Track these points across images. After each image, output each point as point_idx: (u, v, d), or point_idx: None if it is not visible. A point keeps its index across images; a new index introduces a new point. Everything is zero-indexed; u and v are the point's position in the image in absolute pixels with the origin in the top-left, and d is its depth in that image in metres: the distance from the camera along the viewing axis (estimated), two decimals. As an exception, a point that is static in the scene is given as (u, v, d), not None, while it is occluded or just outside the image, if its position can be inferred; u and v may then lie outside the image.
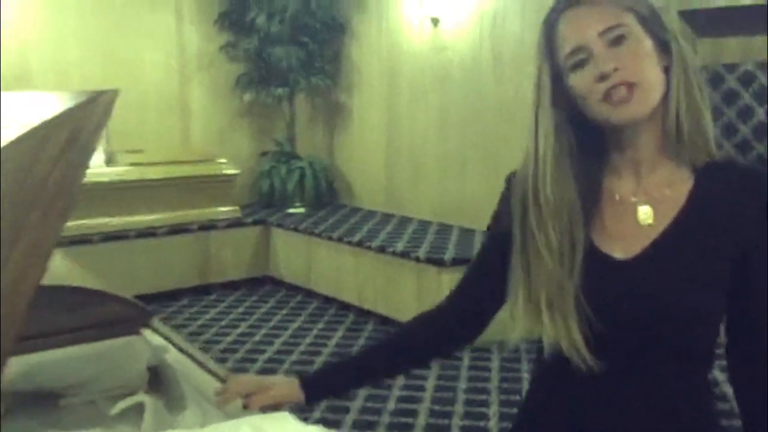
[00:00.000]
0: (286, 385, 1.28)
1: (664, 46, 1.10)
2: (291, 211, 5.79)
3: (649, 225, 1.11)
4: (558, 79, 1.12)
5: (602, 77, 1.05)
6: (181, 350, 1.59)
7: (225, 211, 5.54)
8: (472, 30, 4.94)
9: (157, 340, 1.64)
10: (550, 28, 1.13)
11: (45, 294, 1.56)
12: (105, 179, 5.09)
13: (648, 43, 1.08)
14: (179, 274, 5.29)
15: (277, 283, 5.55)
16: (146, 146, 5.56)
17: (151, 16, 5.65)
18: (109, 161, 5.28)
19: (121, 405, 1.53)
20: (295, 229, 5.32)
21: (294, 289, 5.39)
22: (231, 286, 5.46)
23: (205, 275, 5.38)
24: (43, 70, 5.30)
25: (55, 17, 5.32)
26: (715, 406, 1.18)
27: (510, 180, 1.20)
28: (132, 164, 5.26)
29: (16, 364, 1.53)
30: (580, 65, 1.08)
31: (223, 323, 4.76)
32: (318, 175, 5.87)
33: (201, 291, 5.35)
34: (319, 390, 1.29)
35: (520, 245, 1.14)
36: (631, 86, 1.05)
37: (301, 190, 5.84)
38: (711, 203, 1.11)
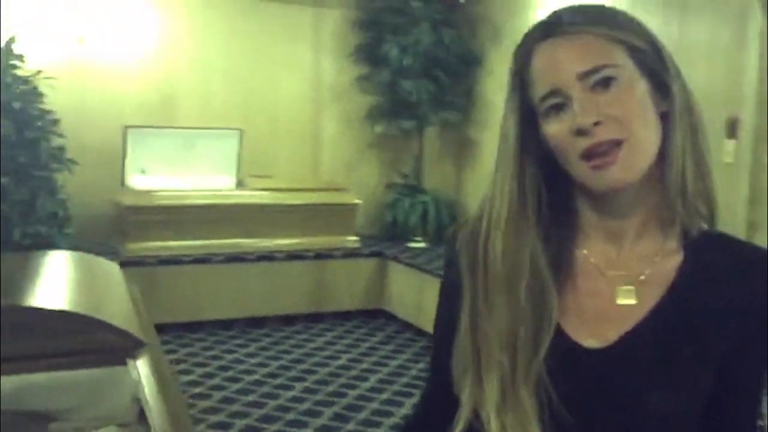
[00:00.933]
0: None
1: (662, 88, 0.88)
2: (411, 245, 5.74)
3: (631, 305, 0.90)
4: (531, 121, 0.90)
5: (580, 132, 0.84)
6: (159, 387, 1.56)
7: (345, 240, 5.58)
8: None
9: (144, 372, 1.62)
10: (523, 59, 0.91)
11: (39, 317, 1.60)
12: (232, 201, 5.32)
13: (642, 86, 0.86)
14: (294, 299, 5.38)
15: (390, 318, 5.48)
16: (276, 173, 5.74)
17: (290, 48, 5.86)
18: (239, 185, 5.51)
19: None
20: (410, 264, 5.24)
21: (405, 325, 5.30)
22: (344, 316, 5.47)
23: (319, 303, 5.43)
24: (187, 101, 5.64)
25: (201, 48, 5.65)
26: None
27: (453, 239, 0.98)
28: (259, 189, 5.45)
29: (5, 383, 1.57)
30: (555, 111, 0.87)
31: (327, 353, 4.76)
32: (441, 210, 5.78)
33: (314, 318, 5.40)
34: None
35: (468, 323, 0.92)
36: (617, 144, 0.84)
37: (423, 224, 5.78)
38: (702, 281, 0.90)
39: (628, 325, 0.89)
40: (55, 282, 1.96)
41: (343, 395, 4.05)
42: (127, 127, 5.11)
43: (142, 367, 1.54)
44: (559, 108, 0.87)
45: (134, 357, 1.61)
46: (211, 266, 5.11)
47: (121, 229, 5.05)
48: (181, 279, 5.01)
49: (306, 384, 4.17)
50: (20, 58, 3.44)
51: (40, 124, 3.39)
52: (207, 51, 5.66)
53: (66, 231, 3.49)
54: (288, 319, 5.32)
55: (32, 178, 3.33)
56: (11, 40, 3.42)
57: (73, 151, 5.01)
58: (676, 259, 0.91)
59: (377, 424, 3.69)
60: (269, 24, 5.78)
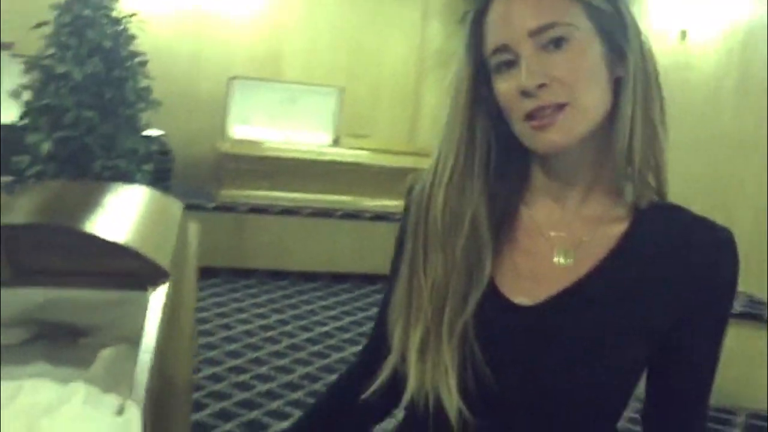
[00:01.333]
0: None
1: (619, 52, 0.85)
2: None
3: (565, 267, 0.88)
4: (483, 76, 0.88)
5: (525, 93, 0.82)
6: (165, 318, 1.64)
7: (434, 206, 5.57)
8: (720, 47, 4.37)
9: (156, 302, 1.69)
10: (479, 14, 0.88)
11: (76, 237, 1.72)
12: (326, 158, 5.43)
13: (596, 50, 0.83)
14: (378, 259, 5.43)
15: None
16: (373, 133, 5.80)
17: (399, 11, 5.86)
18: (335, 142, 5.61)
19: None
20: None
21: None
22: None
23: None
24: (293, 56, 5.77)
25: (310, 5, 5.75)
26: None
27: (409, 191, 0.98)
28: (355, 148, 5.53)
29: (36, 295, 1.71)
30: (506, 67, 0.84)
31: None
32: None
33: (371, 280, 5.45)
34: None
35: (406, 273, 0.91)
36: (560, 107, 0.82)
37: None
38: (647, 252, 0.87)
39: (561, 285, 0.87)
40: (107, 211, 2.09)
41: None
42: (232, 78, 5.30)
43: (156, 297, 1.62)
44: (510, 65, 0.84)
45: (154, 286, 1.69)
46: (298, 219, 5.25)
47: (217, 176, 5.27)
48: (268, 228, 5.18)
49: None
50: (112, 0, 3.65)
51: (128, 64, 3.59)
52: (316, 8, 5.75)
53: (144, 167, 3.69)
54: (370, 278, 5.39)
55: (116, 115, 3.53)
56: None
57: (183, 98, 5.31)
58: (621, 227, 0.88)
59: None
60: (379, -16, 5.81)
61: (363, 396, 0.94)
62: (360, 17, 5.82)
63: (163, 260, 1.80)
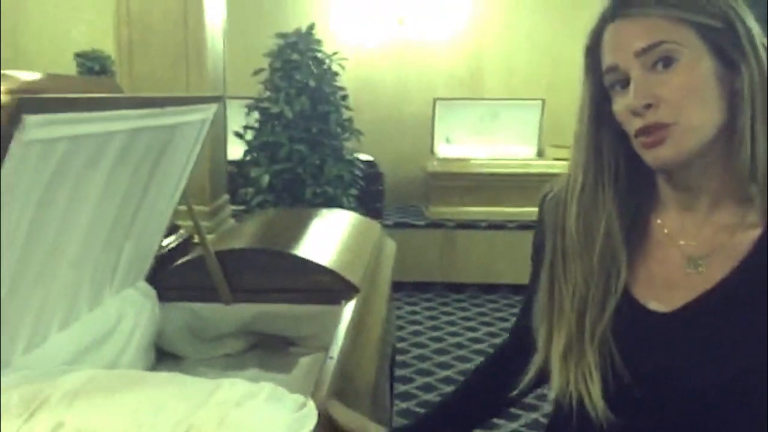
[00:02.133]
0: None
1: (734, 66, 0.86)
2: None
3: (700, 274, 0.91)
4: (604, 95, 0.95)
5: (634, 113, 0.87)
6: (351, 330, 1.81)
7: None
8: None
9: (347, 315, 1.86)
10: (595, 37, 0.95)
11: (282, 258, 1.96)
12: (531, 170, 5.44)
13: (707, 65, 0.86)
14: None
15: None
16: (579, 143, 5.71)
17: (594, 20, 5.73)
18: (539, 154, 5.61)
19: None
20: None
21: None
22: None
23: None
24: (493, 73, 5.87)
25: (508, 21, 5.82)
26: None
27: (543, 202, 1.05)
28: (559, 159, 5.48)
29: (248, 310, 1.97)
30: (618, 87, 0.90)
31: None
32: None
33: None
34: None
35: (546, 280, 0.99)
36: (665, 126, 0.86)
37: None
38: None
39: (695, 293, 0.89)
40: (311, 234, 2.33)
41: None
42: (436, 99, 5.52)
43: (347, 310, 1.80)
44: (622, 84, 0.90)
45: (346, 300, 1.88)
46: (506, 232, 5.31)
47: (426, 194, 5.50)
48: (477, 243, 5.30)
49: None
50: (318, 42, 3.99)
51: (332, 99, 3.91)
52: (513, 24, 5.81)
53: (350, 192, 3.97)
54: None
55: (323, 146, 3.86)
56: (311, 27, 4.00)
57: (390, 123, 5.63)
58: (753, 234, 0.89)
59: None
60: (577, -7, 5.73)
61: (511, 394, 1.03)
62: (557, 29, 5.78)
63: (355, 277, 1.98)
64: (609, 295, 0.92)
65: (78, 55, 5.80)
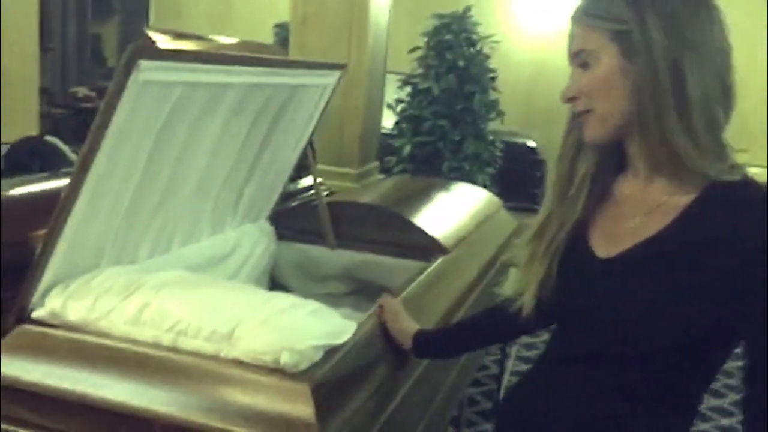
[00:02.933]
0: (405, 332, 1.50)
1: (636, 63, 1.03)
2: None
3: (638, 229, 1.06)
4: None
5: (566, 99, 1.10)
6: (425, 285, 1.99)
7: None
8: None
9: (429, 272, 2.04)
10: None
11: (382, 214, 2.19)
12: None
13: (615, 64, 1.03)
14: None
15: None
16: (752, 146, 5.38)
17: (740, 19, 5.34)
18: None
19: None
20: None
21: None
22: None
23: None
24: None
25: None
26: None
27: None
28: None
29: (350, 257, 2.22)
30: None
31: None
32: None
33: None
34: (427, 351, 1.52)
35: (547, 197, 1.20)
36: (587, 112, 1.07)
37: None
38: (707, 221, 0.99)
39: (632, 243, 1.05)
40: (424, 200, 2.53)
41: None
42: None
43: (431, 268, 1.99)
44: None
45: (434, 259, 2.06)
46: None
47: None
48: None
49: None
50: (474, 24, 4.12)
51: (479, 80, 4.03)
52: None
53: (487, 170, 4.09)
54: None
55: (465, 124, 4.00)
56: (467, 9, 4.14)
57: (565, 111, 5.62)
58: (686, 199, 1.02)
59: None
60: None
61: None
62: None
63: (447, 240, 2.16)
64: (566, 220, 1.13)
65: (276, 25, 6.40)
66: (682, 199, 1.03)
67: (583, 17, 1.06)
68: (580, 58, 1.07)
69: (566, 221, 1.13)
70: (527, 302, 1.16)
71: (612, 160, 1.12)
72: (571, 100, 1.08)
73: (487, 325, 1.43)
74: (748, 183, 1.00)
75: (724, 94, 1.01)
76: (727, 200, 0.99)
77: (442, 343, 1.50)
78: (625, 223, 1.08)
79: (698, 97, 0.98)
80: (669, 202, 1.04)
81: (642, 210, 1.07)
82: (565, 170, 1.14)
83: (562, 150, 1.15)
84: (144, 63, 1.29)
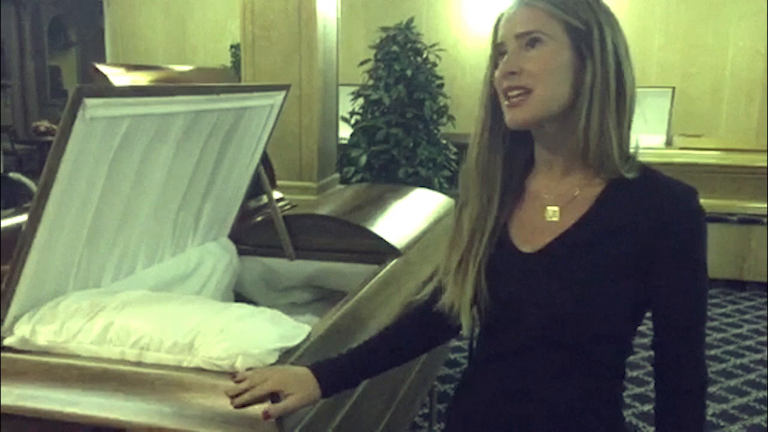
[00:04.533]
0: (303, 385, 1.25)
1: (585, 62, 1.09)
2: None
3: (555, 223, 1.14)
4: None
5: (504, 75, 1.10)
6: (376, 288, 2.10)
7: (776, 206, 5.13)
8: None
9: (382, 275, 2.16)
10: (497, 20, 1.17)
11: (335, 223, 2.30)
12: (659, 160, 5.38)
13: (565, 56, 1.08)
14: (714, 263, 5.21)
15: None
16: (712, 132, 5.57)
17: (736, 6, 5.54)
18: (668, 143, 5.53)
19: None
20: None
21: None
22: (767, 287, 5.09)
23: (741, 270, 5.16)
24: (626, 56, 5.83)
25: (640, 8, 5.75)
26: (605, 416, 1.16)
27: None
28: (687, 147, 5.39)
29: (310, 266, 2.32)
30: (500, 58, 1.13)
31: (734, 320, 4.59)
32: None
33: (735, 286, 5.17)
34: (335, 385, 1.29)
35: (457, 210, 1.23)
36: (527, 92, 1.08)
37: None
38: (620, 206, 1.10)
39: (552, 236, 1.13)
40: (378, 205, 2.64)
41: (723, 360, 3.96)
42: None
43: (383, 272, 2.09)
44: (501, 58, 1.13)
45: (386, 262, 2.17)
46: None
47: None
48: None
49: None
50: (417, 35, 4.27)
51: (428, 87, 4.18)
52: (646, 11, 5.74)
53: (443, 173, 4.23)
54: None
55: (417, 130, 4.15)
56: (410, 21, 4.29)
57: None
58: (598, 190, 1.12)
59: None
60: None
61: (434, 308, 1.25)
62: (695, 13, 5.64)
63: (399, 242, 2.28)
64: (487, 227, 1.17)
65: (233, 46, 6.49)
66: (594, 190, 1.12)
67: (540, 2, 1.09)
68: (526, 38, 1.08)
69: (486, 226, 1.17)
70: (464, 311, 1.18)
71: (520, 157, 1.19)
72: (509, 75, 1.09)
73: (412, 334, 1.34)
74: (648, 169, 1.11)
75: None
76: (631, 187, 1.09)
77: (356, 367, 1.31)
78: (544, 217, 1.15)
79: (630, 98, 1.09)
80: (582, 194, 1.12)
81: (557, 203, 1.14)
82: (482, 171, 1.18)
83: (478, 149, 1.17)
84: (89, 101, 1.39)
